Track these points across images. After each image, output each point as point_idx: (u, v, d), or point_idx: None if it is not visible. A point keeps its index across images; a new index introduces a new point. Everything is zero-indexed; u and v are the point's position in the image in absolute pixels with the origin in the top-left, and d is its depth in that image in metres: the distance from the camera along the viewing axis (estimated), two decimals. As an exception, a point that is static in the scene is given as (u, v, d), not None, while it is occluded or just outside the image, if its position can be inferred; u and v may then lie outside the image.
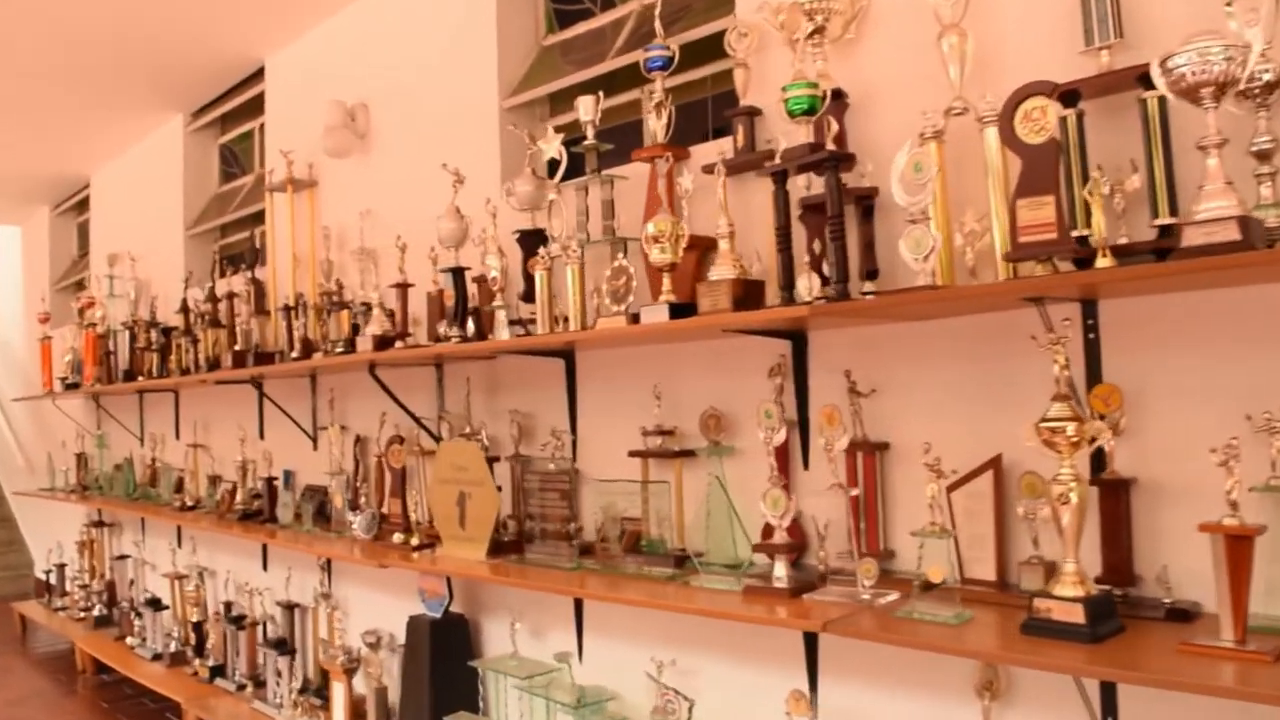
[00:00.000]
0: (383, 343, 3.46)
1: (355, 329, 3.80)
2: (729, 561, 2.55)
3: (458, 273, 3.20)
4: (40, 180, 7.40)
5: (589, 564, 2.86)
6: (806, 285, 2.22)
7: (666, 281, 2.50)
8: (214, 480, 5.17)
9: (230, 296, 4.77)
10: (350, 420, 4.26)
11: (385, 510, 3.79)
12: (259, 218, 5.23)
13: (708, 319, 2.34)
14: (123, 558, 6.26)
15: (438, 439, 3.66)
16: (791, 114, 2.28)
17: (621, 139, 3.13)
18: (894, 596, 2.20)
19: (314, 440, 4.49)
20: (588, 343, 2.96)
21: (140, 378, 5.35)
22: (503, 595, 3.48)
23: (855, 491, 2.29)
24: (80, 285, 7.71)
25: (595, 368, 3.19)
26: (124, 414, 6.26)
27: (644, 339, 2.78)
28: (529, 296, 3.07)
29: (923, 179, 2.05)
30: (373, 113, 4.21)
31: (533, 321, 3.04)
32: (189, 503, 4.96)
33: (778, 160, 2.27)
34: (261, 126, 5.39)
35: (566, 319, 2.84)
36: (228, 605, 4.95)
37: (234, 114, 5.67)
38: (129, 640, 5.48)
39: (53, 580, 6.96)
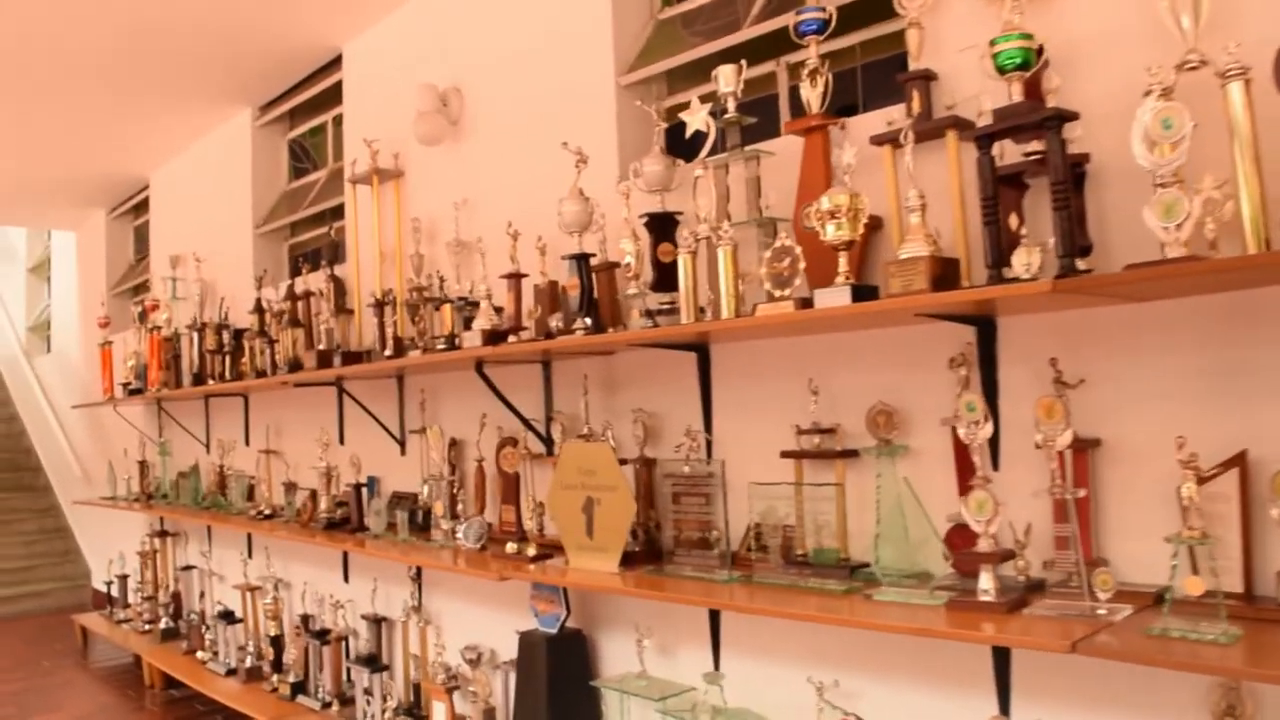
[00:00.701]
0: (493, 337, 3.24)
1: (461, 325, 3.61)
2: (909, 571, 2.30)
3: (582, 260, 2.98)
4: (97, 182, 7.27)
5: (738, 575, 2.62)
6: (1024, 261, 1.97)
7: (843, 262, 2.27)
8: (289, 487, 4.97)
9: (307, 295, 4.58)
10: (443, 423, 4.05)
11: (487, 518, 3.57)
12: (334, 214, 5.04)
13: (899, 301, 2.10)
14: (188, 568, 6.09)
15: (546, 441, 3.44)
16: (1002, 70, 2.04)
17: (753, 114, 2.90)
18: (1128, 611, 1.94)
19: (402, 444, 4.29)
20: (731, 334, 2.73)
21: (212, 380, 5.17)
22: (623, 609, 3.25)
23: (1081, 493, 2.04)
24: (138, 290, 7.58)
25: (734, 361, 2.96)
26: (189, 420, 6.10)
27: (818, 326, 2.54)
28: (658, 285, 2.85)
29: (1174, 136, 1.80)
30: (467, 97, 4.00)
31: (663, 312, 2.81)
32: (265, 511, 4.76)
33: (988, 121, 2.03)
34: (335, 119, 5.21)
35: (703, 309, 2.61)
36: (305, 618, 4.75)
37: (303, 107, 5.49)
38: (199, 654, 5.30)
39: (114, 592, 6.80)
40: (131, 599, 6.65)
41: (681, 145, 2.92)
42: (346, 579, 4.66)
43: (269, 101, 5.63)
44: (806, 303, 2.31)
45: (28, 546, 8.44)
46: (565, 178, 3.08)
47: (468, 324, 3.35)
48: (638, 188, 2.93)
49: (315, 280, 4.69)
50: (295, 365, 4.44)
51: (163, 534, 6.43)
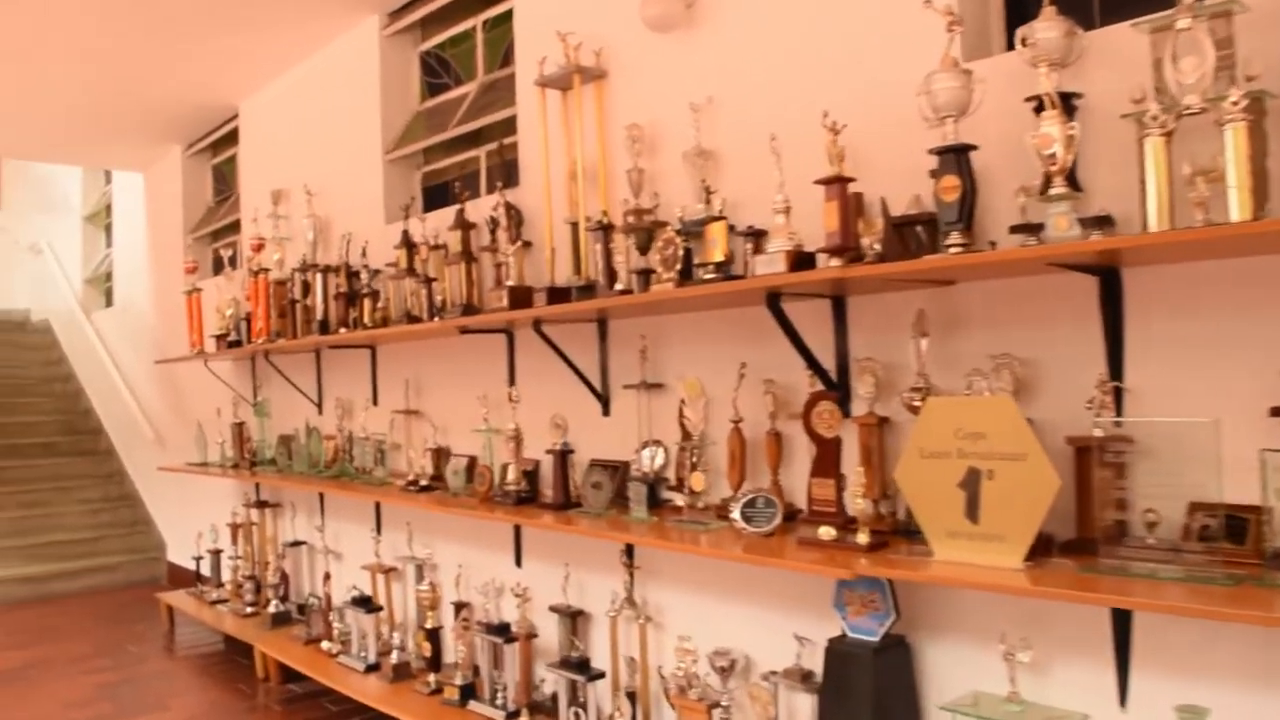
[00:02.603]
0: (799, 262, 2.50)
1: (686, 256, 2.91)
2: None
3: (961, 153, 2.23)
4: (173, 115, 6.55)
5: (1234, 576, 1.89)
6: None
7: None
8: (438, 453, 4.26)
9: (468, 227, 3.84)
10: (665, 376, 3.33)
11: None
12: (475, 138, 4.32)
13: None
14: (296, 544, 5.41)
15: (841, 391, 2.71)
16: None
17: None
18: None
19: (604, 402, 3.56)
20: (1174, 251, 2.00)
21: (344, 329, 4.45)
22: (972, 611, 2.52)
23: None
24: (217, 235, 6.86)
25: (1158, 290, 2.21)
26: (297, 375, 5.38)
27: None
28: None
29: None
30: (706, -28, 3.24)
31: (1095, 223, 2.07)
32: (421, 481, 4.05)
33: None
34: (491, 21, 4.46)
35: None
36: (459, 606, 4.06)
37: (436, 16, 4.75)
38: (325, 645, 4.61)
39: (203, 569, 6.13)
40: (226, 576, 5.98)
41: None
42: (519, 562, 3.96)
43: (398, 8, 4.87)
44: None
45: (92, 516, 7.80)
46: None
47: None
48: (1024, 62, 2.19)
49: (475, 209, 3.96)
50: (469, 308, 3.72)
51: (261, 504, 5.75)
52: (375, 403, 4.84)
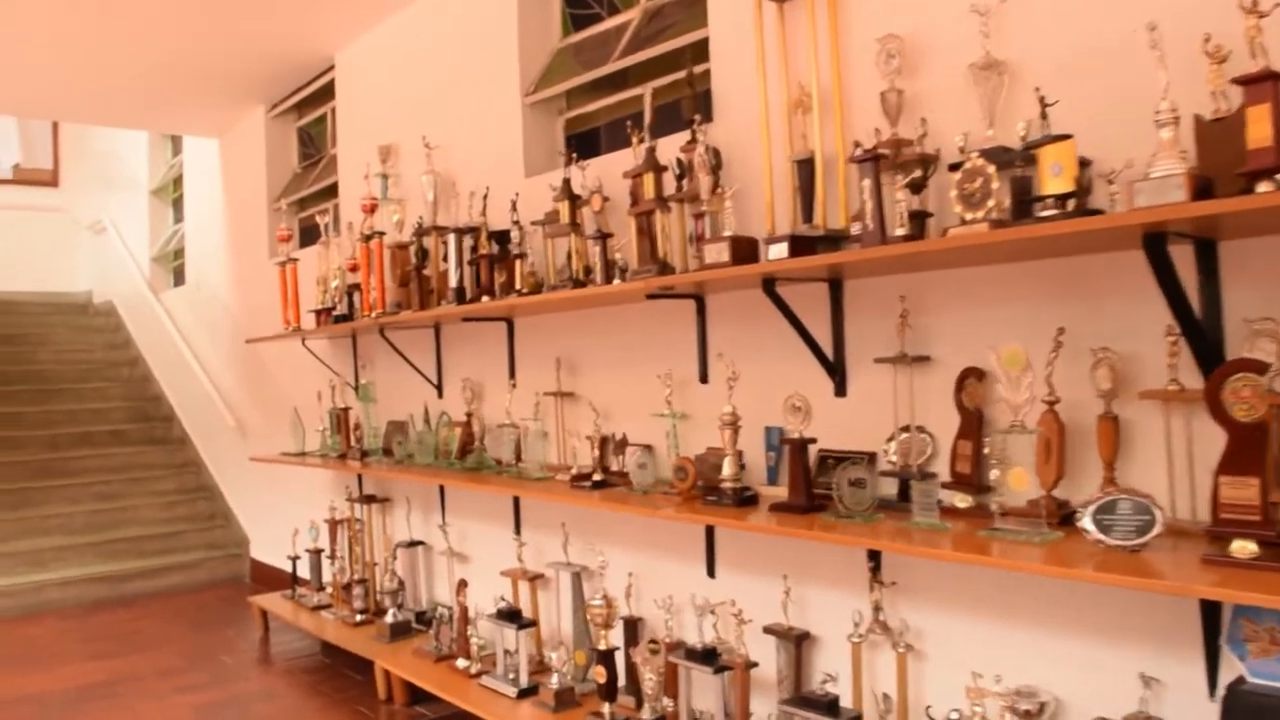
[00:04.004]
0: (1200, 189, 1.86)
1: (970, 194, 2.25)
2: None
3: None
4: (257, 73, 6.00)
5: None
6: None
7: None
8: (604, 443, 3.65)
9: (659, 170, 3.22)
10: (930, 346, 2.70)
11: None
12: (627, 76, 3.72)
13: None
14: (412, 545, 4.84)
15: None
16: None
17: None
18: None
19: (839, 381, 2.93)
20: None
21: (486, 298, 3.85)
22: None
23: None
24: (304, 203, 6.30)
25: None
26: (411, 354, 4.80)
27: None
28: None
29: None
30: None
31: None
32: (596, 476, 3.44)
33: None
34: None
35: None
36: (630, 624, 3.47)
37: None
38: (461, 663, 4.03)
39: (300, 570, 5.58)
40: (326, 578, 5.43)
41: None
42: (712, 572, 3.34)
43: (537, -70, 4.26)
44: None
45: (168, 509, 7.30)
46: None
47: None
48: None
49: (658, 149, 3.34)
50: (665, 266, 3.10)
51: (368, 499, 5.18)
52: (513, 382, 4.23)
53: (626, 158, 3.56)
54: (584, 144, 4.28)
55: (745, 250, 2.82)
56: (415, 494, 4.93)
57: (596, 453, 3.60)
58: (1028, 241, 2.20)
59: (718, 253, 2.80)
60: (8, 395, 7.87)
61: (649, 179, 3.15)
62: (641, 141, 3.41)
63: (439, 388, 4.76)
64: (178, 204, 8.62)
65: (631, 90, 3.95)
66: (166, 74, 5.90)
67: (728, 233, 2.84)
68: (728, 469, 2.90)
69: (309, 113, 6.55)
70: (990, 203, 2.27)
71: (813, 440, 2.76)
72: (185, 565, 6.84)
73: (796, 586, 3.04)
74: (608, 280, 3.33)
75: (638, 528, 3.62)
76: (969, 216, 2.30)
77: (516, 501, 4.23)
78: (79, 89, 6.12)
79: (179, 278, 8.53)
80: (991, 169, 2.28)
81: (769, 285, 2.79)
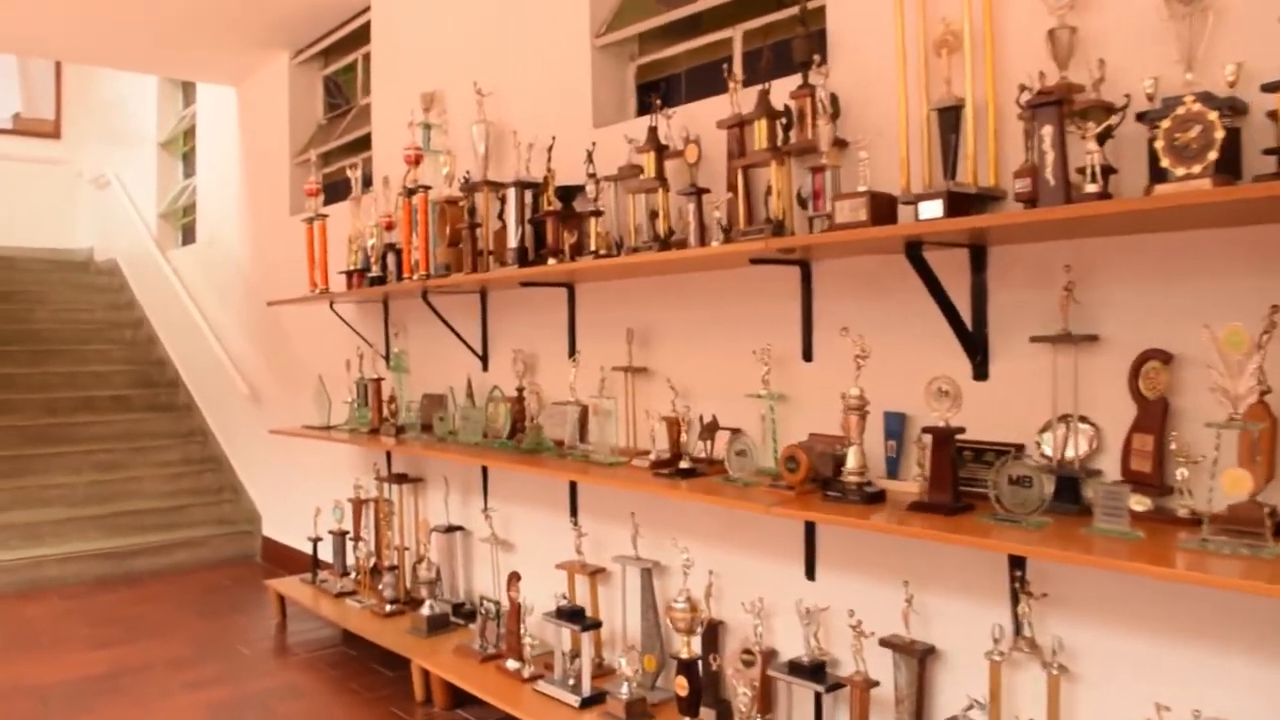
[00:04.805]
0: None
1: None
2: None
3: None
4: (281, 14, 5.61)
5: None
6: None
7: None
8: (680, 425, 3.30)
9: (774, 116, 2.85)
10: (1097, 323, 2.34)
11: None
12: (700, 21, 3.36)
13: None
14: (450, 530, 4.50)
15: None
16: None
17: None
18: None
19: (980, 361, 2.57)
20: None
21: (553, 260, 3.49)
22: None
23: None
24: (329, 157, 5.92)
25: None
26: (455, 322, 4.44)
27: None
28: None
29: None
30: None
31: None
32: (683, 464, 3.09)
33: None
34: None
35: None
36: (709, 628, 3.14)
37: None
38: (512, 665, 3.70)
39: (323, 553, 5.25)
40: (350, 562, 5.10)
41: None
42: (811, 573, 3.00)
43: None
44: None
45: (173, 481, 6.97)
46: None
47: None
48: None
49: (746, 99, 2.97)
50: (779, 227, 2.74)
51: (399, 478, 4.84)
52: (572, 356, 3.88)
53: (715, 107, 3.20)
54: (655, 94, 3.91)
55: (884, 208, 2.46)
56: (453, 474, 4.59)
57: (674, 436, 3.26)
58: (1246, 203, 1.86)
59: (852, 211, 2.44)
60: (2, 355, 7.51)
61: (761, 127, 2.78)
62: (739, 86, 3.04)
63: (484, 359, 4.41)
64: (188, 158, 8.25)
65: (714, 34, 3.57)
66: (182, 14, 5.53)
67: (862, 188, 2.48)
68: (852, 461, 2.55)
69: (336, 60, 6.16)
70: (1211, 155, 1.93)
71: (961, 430, 2.40)
72: (192, 542, 6.50)
73: (918, 594, 2.69)
74: (702, 241, 2.96)
75: (718, 520, 3.28)
76: (1181, 171, 1.95)
77: (573, 486, 3.89)
78: (86, 26, 5.73)
79: (188, 236, 8.16)
80: (1213, 116, 1.93)
81: (913, 250, 2.43)
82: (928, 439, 2.43)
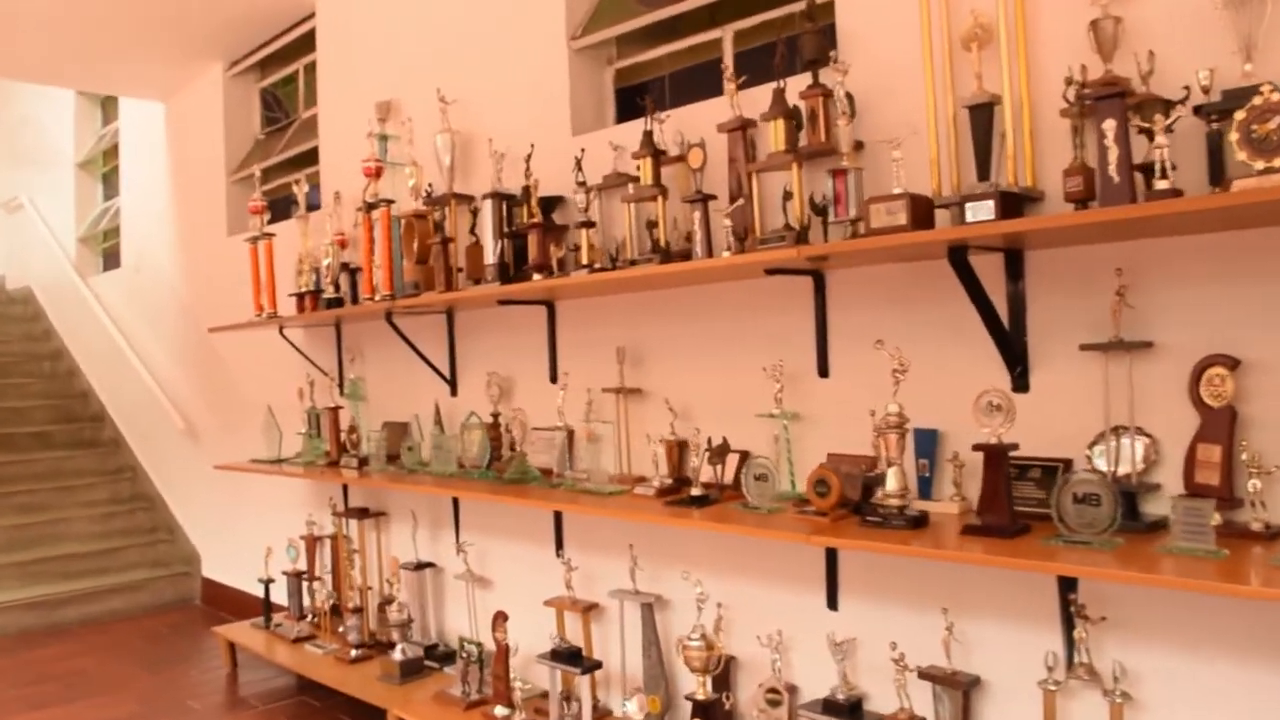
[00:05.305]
0: None
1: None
2: None
3: None
4: (216, 22, 5.32)
5: None
6: None
7: None
8: (682, 449, 3.12)
9: (788, 116, 2.69)
10: (1153, 330, 2.23)
11: None
12: (680, 23, 3.21)
13: None
14: (420, 567, 4.23)
15: None
16: None
17: None
18: None
19: (1019, 372, 2.43)
20: None
21: (540, 276, 3.28)
22: None
23: None
24: (269, 174, 5.62)
25: None
26: (418, 344, 4.18)
27: None
28: None
29: None
30: None
31: None
32: (694, 491, 2.89)
33: None
34: None
35: None
36: (724, 664, 2.94)
37: None
38: (500, 711, 3.46)
39: (276, 595, 4.92)
40: (307, 604, 4.79)
41: None
42: (833, 603, 2.83)
43: None
44: None
45: (104, 522, 6.54)
46: None
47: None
48: None
49: (748, 99, 2.82)
50: (801, 234, 2.57)
51: (359, 513, 4.56)
52: (553, 379, 3.67)
53: (709, 111, 3.04)
54: (634, 101, 3.75)
55: (923, 212, 2.31)
56: (420, 507, 4.32)
57: (667, 461, 3.08)
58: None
59: (890, 214, 2.28)
60: (-90, 392, 7.02)
61: (777, 127, 2.61)
62: (740, 87, 2.88)
63: (453, 384, 4.17)
64: (109, 178, 7.84)
65: (699, 35, 3.41)
66: (104, 24, 5.20)
67: (897, 190, 2.32)
68: (893, 482, 2.38)
69: (274, 71, 5.87)
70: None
71: (1014, 446, 2.25)
72: (126, 587, 6.10)
73: (956, 621, 2.54)
74: (710, 251, 2.78)
75: (724, 549, 3.10)
76: (1260, 165, 1.84)
77: (558, 517, 3.67)
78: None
79: (111, 261, 7.74)
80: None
81: (957, 255, 2.28)
82: (971, 458, 2.28)
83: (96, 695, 4.53)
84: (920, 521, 2.36)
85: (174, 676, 4.79)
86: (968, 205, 2.19)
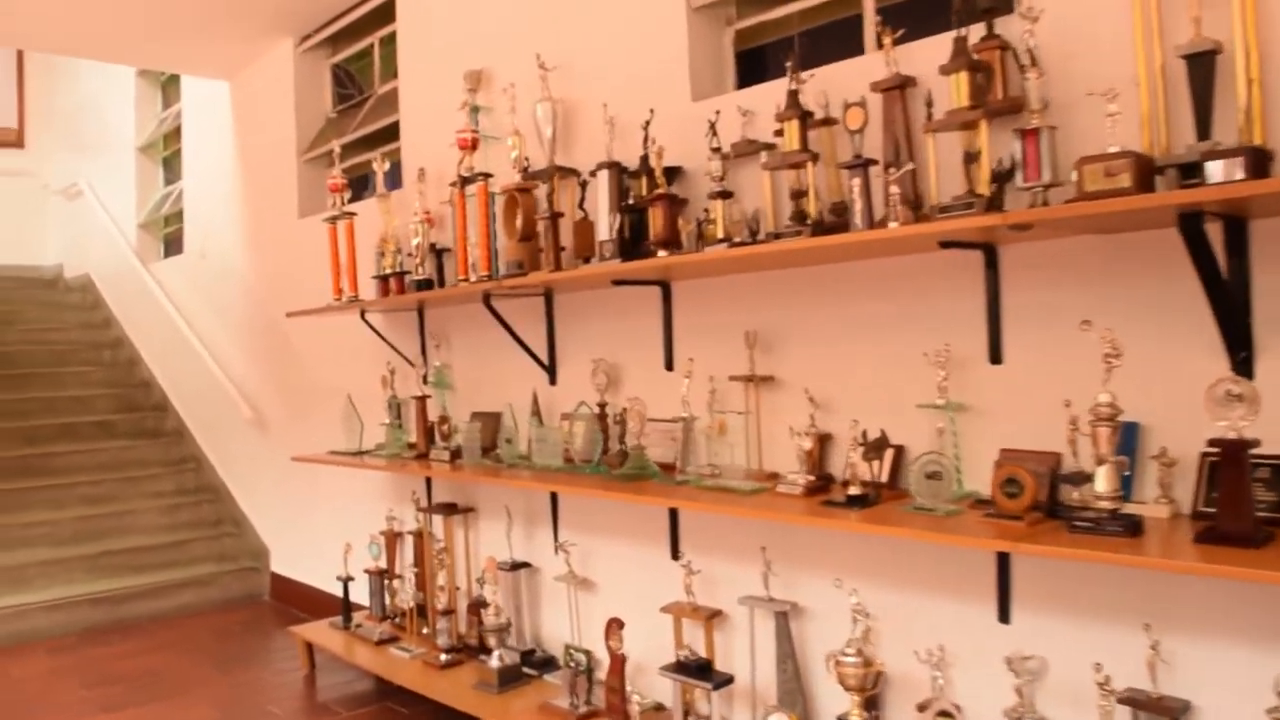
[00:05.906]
0: None
1: None
2: None
3: None
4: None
5: None
6: None
7: None
8: (822, 441, 2.85)
9: (976, 69, 2.40)
10: None
11: None
12: None
13: None
14: (515, 567, 4.00)
15: None
16: None
17: None
18: None
19: (1241, 356, 2.14)
20: None
21: (664, 252, 3.01)
22: None
23: None
24: (345, 151, 5.38)
25: None
26: (518, 328, 3.93)
27: None
28: None
29: None
30: None
31: None
32: (852, 490, 2.62)
33: None
34: None
35: None
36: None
37: None
38: (613, 723, 3.19)
39: (357, 594, 4.72)
40: (389, 604, 4.58)
41: None
42: (1006, 616, 2.55)
43: None
44: None
45: (169, 514, 6.38)
46: None
47: None
48: None
49: (916, 52, 2.55)
50: (993, 200, 2.29)
51: (446, 508, 4.33)
52: (669, 366, 3.42)
53: (851, 70, 2.77)
54: (753, 66, 3.48)
55: (1145, 173, 2.02)
56: (514, 502, 4.09)
57: (817, 455, 2.80)
58: None
59: (1109, 177, 1.99)
60: (-29, 381, 6.91)
61: (960, 81, 2.32)
62: (897, 42, 2.60)
63: (552, 372, 3.92)
64: (170, 162, 7.68)
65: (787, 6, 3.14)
66: (172, 1, 5.00)
67: (1114, 148, 2.03)
68: (1104, 483, 2.10)
69: (346, 46, 5.66)
70: None
71: (1256, 443, 1.96)
72: (194, 581, 5.93)
73: (1160, 639, 2.25)
74: (871, 223, 2.51)
75: (870, 554, 2.83)
76: None
77: (674, 516, 3.41)
78: (63, 12, 5.17)
79: (173, 247, 7.59)
80: None
81: (1190, 223, 1.98)
82: (1182, 455, 1.99)
83: (169, 697, 4.34)
84: (1137, 527, 2.08)
85: (248, 678, 4.60)
86: (1207, 164, 1.90)
